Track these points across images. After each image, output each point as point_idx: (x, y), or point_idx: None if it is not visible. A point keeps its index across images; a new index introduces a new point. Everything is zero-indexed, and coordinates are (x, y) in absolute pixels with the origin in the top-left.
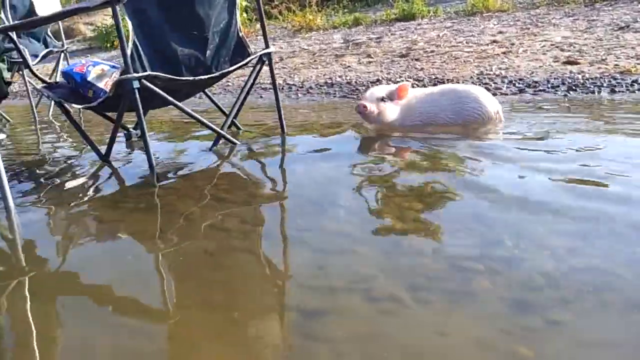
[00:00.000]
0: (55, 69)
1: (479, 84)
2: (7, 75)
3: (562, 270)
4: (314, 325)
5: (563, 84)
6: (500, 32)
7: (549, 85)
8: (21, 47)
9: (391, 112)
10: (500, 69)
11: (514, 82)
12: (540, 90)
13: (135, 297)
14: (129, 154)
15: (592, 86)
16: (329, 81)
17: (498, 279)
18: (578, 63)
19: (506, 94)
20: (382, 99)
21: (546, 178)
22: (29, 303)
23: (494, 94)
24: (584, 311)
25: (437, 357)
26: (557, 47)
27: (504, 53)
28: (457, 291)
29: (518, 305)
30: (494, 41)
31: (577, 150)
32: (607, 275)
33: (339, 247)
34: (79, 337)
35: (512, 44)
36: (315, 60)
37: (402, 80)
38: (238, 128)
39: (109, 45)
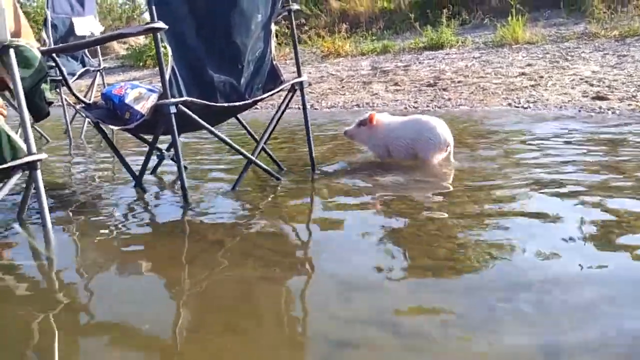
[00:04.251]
0: (90, 88)
1: (508, 116)
2: (49, 95)
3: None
4: (340, 355)
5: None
6: (529, 65)
7: (579, 119)
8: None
9: (362, 135)
10: (528, 102)
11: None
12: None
13: (165, 320)
14: (162, 176)
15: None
16: (357, 108)
17: (525, 319)
18: (608, 98)
19: None
20: (359, 124)
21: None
22: (55, 321)
23: None
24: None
25: None
26: (586, 81)
27: (532, 86)
28: (484, 328)
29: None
30: (523, 73)
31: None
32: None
33: (367, 281)
34: (112, 356)
35: (541, 77)
36: (343, 87)
37: (430, 109)
38: (281, 168)
39: (141, 64)
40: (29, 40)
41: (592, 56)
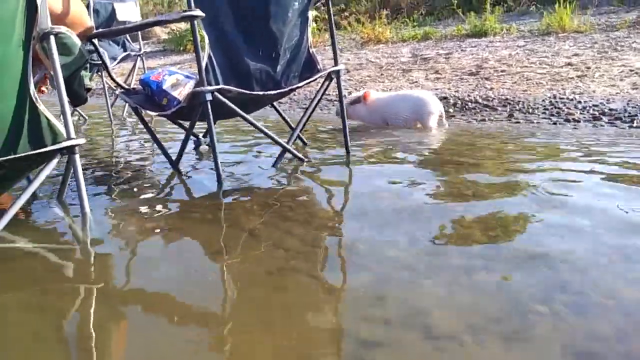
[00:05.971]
0: (131, 72)
1: (551, 108)
2: (88, 82)
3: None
4: (369, 355)
5: None
6: (576, 55)
7: (627, 115)
8: (101, 50)
9: (359, 112)
10: (574, 93)
11: (588, 108)
12: (616, 119)
13: (195, 310)
14: (198, 161)
15: None
16: None
17: (561, 325)
18: None
19: (578, 121)
20: (352, 103)
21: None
22: (91, 307)
23: (567, 120)
24: None
25: None
26: (637, 73)
27: (578, 77)
28: (518, 334)
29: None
30: (569, 64)
31: None
32: None
33: (399, 277)
34: (139, 345)
35: (588, 68)
36: (382, 74)
37: (469, 96)
38: (304, 143)
39: (181, 48)
40: (81, 20)
41: None
